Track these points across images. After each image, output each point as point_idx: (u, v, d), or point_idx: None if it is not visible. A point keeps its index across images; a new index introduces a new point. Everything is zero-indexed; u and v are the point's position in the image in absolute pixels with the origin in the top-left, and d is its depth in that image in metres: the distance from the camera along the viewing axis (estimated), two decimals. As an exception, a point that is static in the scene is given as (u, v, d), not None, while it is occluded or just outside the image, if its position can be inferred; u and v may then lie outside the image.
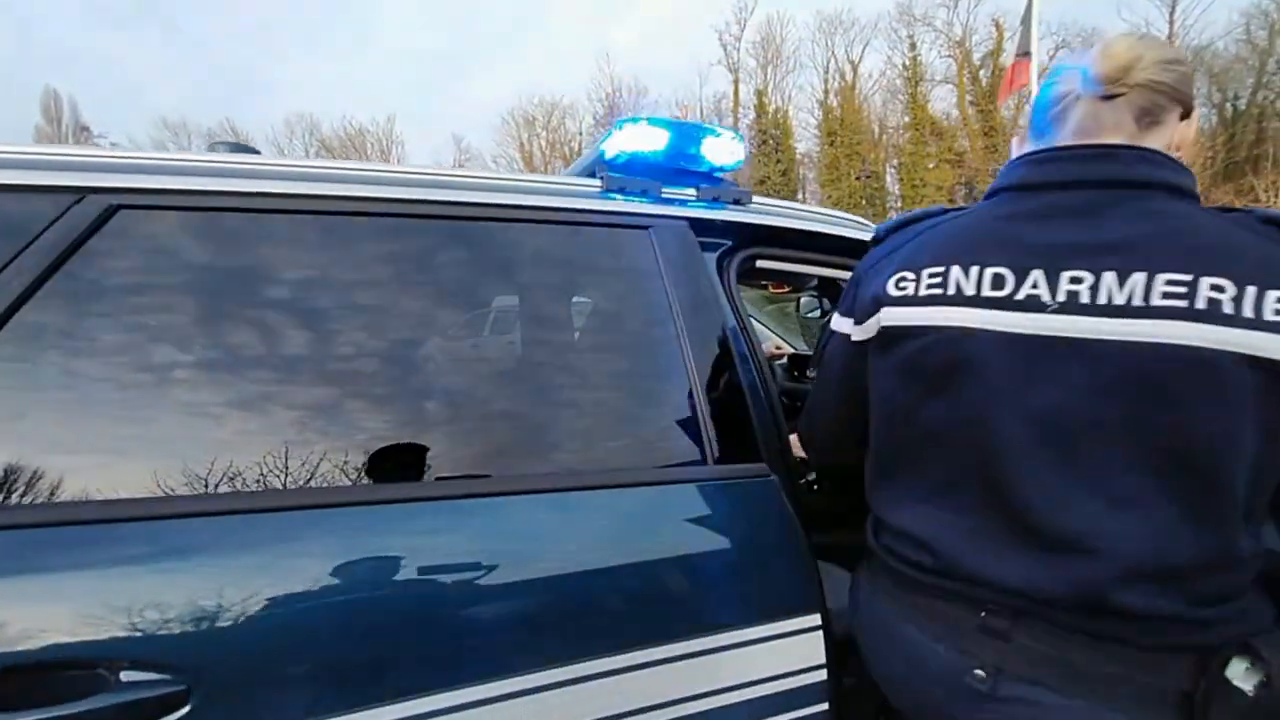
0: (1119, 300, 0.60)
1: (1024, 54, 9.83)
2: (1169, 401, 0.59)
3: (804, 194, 37.67)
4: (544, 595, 0.78)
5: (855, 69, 34.42)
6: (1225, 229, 0.60)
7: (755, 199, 1.29)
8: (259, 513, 0.70)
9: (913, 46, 32.31)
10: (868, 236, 1.31)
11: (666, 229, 1.07)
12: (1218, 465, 0.58)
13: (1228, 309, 0.57)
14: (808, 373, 2.56)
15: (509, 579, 0.77)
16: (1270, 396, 0.57)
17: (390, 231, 0.89)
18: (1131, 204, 0.63)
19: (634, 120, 1.16)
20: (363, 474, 0.77)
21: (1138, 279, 0.60)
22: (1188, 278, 0.58)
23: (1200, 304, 0.57)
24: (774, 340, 2.51)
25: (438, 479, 0.80)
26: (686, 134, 1.20)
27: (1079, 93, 0.68)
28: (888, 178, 34.22)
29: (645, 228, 1.06)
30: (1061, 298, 0.63)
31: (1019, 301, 0.65)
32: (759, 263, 1.21)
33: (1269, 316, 0.56)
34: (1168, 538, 0.60)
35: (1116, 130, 0.67)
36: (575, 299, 1.13)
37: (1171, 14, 26.58)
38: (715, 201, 1.19)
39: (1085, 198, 0.66)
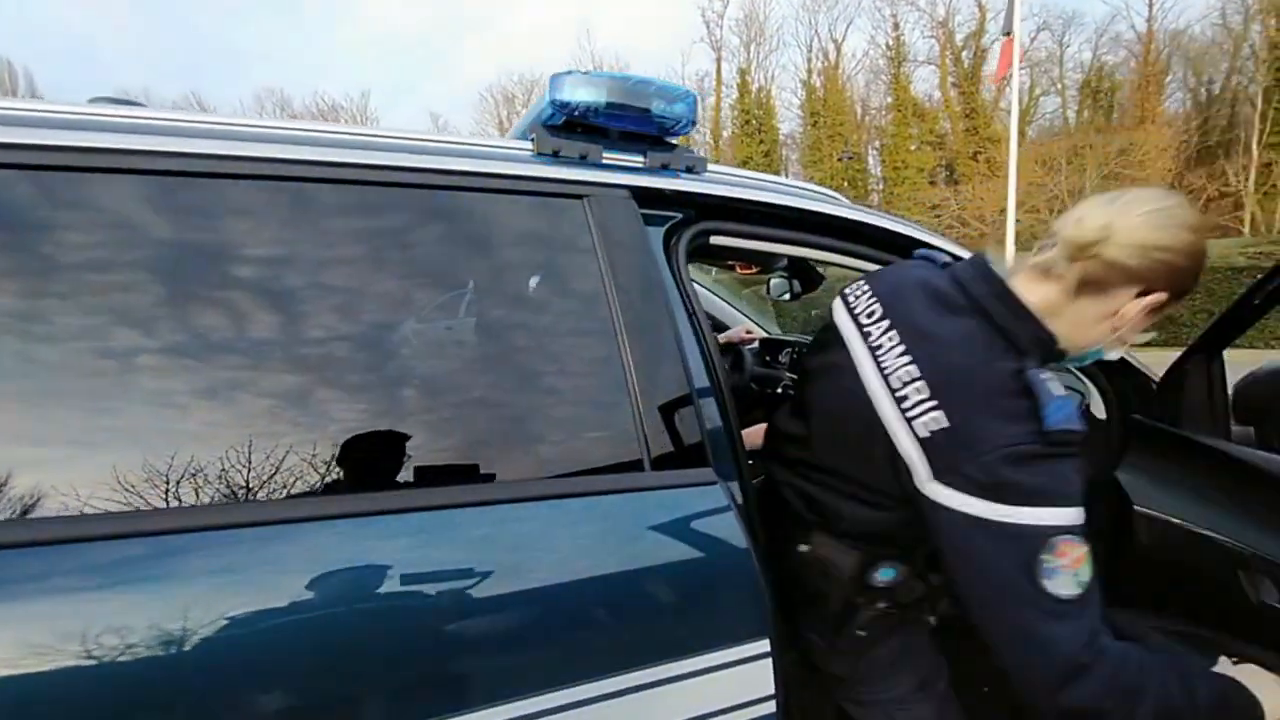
0: (886, 365, 0.81)
1: (1007, 33, 9.79)
2: (857, 437, 0.83)
3: (786, 175, 37.43)
4: (429, 636, 0.65)
5: (839, 48, 34.16)
6: (982, 368, 0.76)
7: (712, 167, 1.15)
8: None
9: (896, 26, 32.10)
10: (838, 211, 1.19)
11: (604, 199, 0.93)
12: (863, 488, 0.85)
13: (908, 403, 0.76)
14: (780, 357, 2.45)
15: (383, 623, 0.63)
16: (895, 468, 0.78)
17: (252, 197, 0.73)
18: (969, 321, 0.79)
19: (571, 73, 1.01)
20: (200, 494, 0.62)
21: (904, 359, 0.79)
22: (919, 374, 0.77)
23: (903, 392, 0.77)
24: (745, 324, 2.39)
25: (290, 499, 0.66)
26: (633, 91, 1.05)
27: (1056, 240, 0.80)
28: (869, 159, 34.20)
29: (578, 197, 0.91)
30: (876, 345, 0.83)
31: (865, 333, 0.86)
32: (714, 239, 1.07)
33: (915, 415, 0.75)
34: (840, 515, 0.89)
35: (1058, 280, 0.79)
36: (533, 280, 0.98)
37: (1151, -3, 26.70)
38: (665, 169, 1.05)
39: (960, 302, 0.81)
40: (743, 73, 35.28)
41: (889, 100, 32.94)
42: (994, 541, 0.68)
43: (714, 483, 0.84)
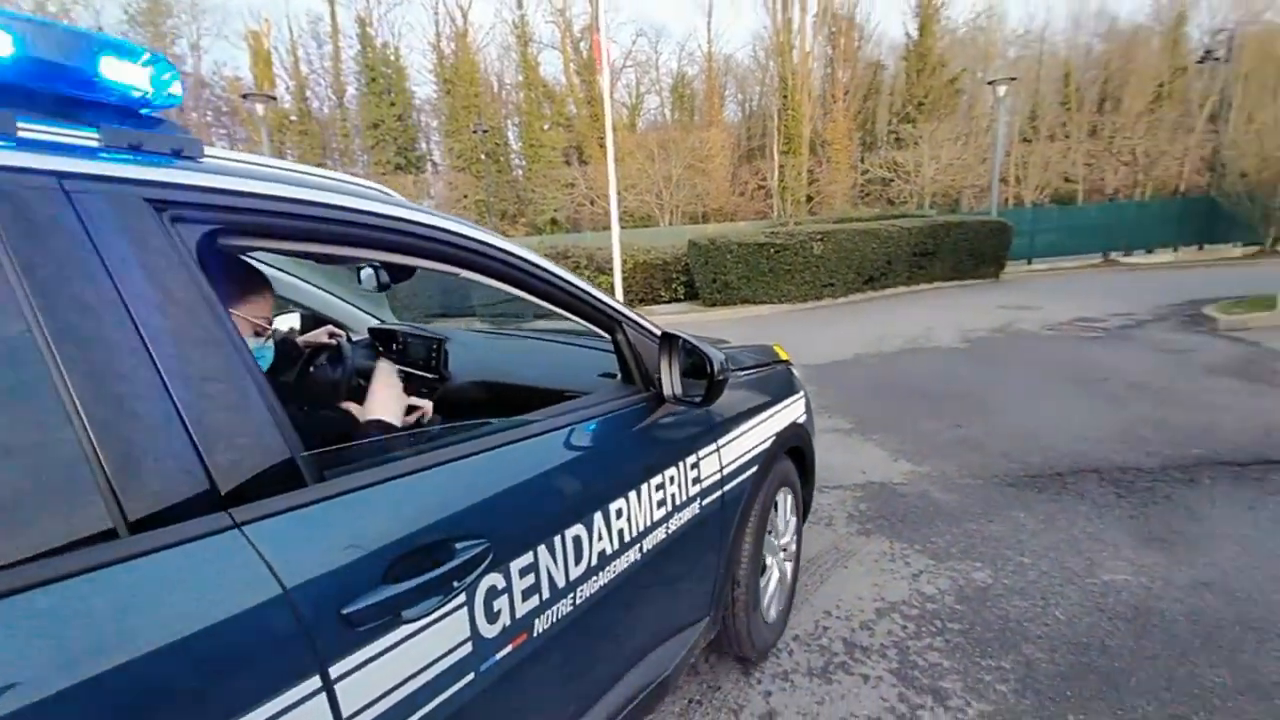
0: None
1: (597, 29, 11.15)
2: None
3: (427, 143, 35.76)
4: None
5: (465, 16, 33.74)
6: None
7: (224, 153, 0.97)
8: None
9: (520, 4, 33.24)
10: (393, 210, 1.10)
11: (10, 194, 0.68)
12: None
13: None
14: (393, 346, 2.32)
15: None
16: None
17: None
18: None
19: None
20: None
21: None
22: None
23: None
24: (328, 327, 2.17)
25: None
26: (64, 43, 0.79)
27: None
28: (509, 134, 35.16)
29: (-45, 189, 0.65)
30: None
31: None
32: (224, 239, 0.90)
33: None
34: None
35: None
36: None
37: (709, 23, 33.76)
38: (139, 152, 0.83)
39: None
40: (362, 22, 31.92)
41: (520, 78, 34.22)
42: None
43: (231, 527, 0.73)
